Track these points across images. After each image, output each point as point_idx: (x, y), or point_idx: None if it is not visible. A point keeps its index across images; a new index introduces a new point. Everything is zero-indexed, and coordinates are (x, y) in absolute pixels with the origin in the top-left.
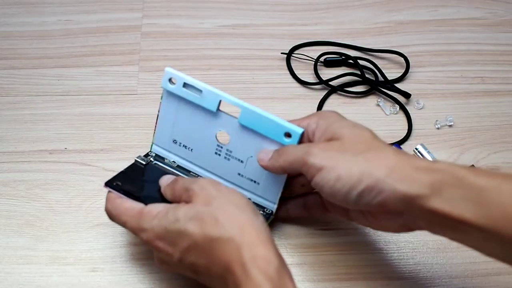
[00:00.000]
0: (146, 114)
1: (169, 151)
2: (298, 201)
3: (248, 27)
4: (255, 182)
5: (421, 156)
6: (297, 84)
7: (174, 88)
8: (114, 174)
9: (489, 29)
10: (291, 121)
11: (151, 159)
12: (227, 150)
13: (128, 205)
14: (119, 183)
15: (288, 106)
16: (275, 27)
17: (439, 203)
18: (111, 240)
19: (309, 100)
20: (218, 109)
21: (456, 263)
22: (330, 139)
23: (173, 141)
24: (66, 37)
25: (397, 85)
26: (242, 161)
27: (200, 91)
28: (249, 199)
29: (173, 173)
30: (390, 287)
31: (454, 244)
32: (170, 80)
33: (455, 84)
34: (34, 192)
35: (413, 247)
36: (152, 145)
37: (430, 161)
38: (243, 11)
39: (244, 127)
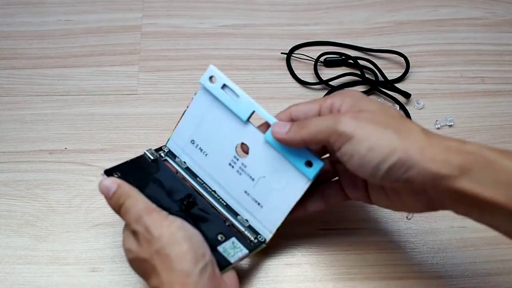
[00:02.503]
0: (146, 114)
1: (183, 151)
2: (316, 194)
3: (248, 27)
4: (259, 204)
5: None
6: (297, 84)
7: (212, 86)
8: None
9: (489, 29)
10: (313, 100)
11: (162, 154)
12: (242, 164)
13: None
14: (118, 174)
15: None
16: (275, 27)
17: (469, 184)
18: (111, 240)
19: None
20: (248, 119)
21: (456, 263)
22: (359, 111)
23: (191, 141)
24: (66, 37)
25: (397, 85)
26: (253, 179)
27: (237, 96)
28: (247, 220)
29: (180, 175)
30: (390, 287)
31: (454, 244)
32: (210, 78)
33: (455, 84)
34: (34, 192)
35: (413, 247)
36: (168, 140)
37: (460, 142)
38: (243, 11)
39: (267, 146)
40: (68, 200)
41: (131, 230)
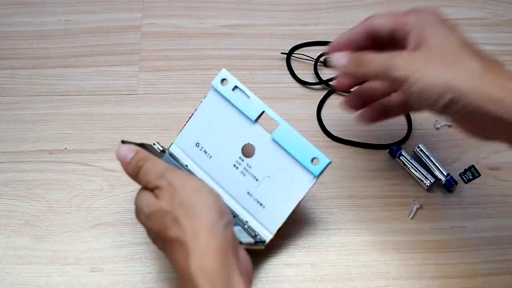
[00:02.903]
0: (146, 114)
1: (186, 154)
2: (375, 105)
3: (248, 27)
4: (261, 204)
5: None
6: (297, 84)
7: (223, 88)
8: (114, 174)
9: (489, 29)
10: (393, 14)
11: (167, 152)
12: (247, 164)
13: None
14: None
15: (288, 106)
16: (275, 27)
17: None
18: (111, 240)
19: (309, 100)
20: (257, 119)
21: (456, 263)
22: (419, 44)
23: (196, 144)
24: (66, 37)
25: None
26: (257, 180)
27: (248, 97)
28: (247, 221)
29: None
30: (390, 287)
31: (454, 244)
32: (222, 81)
33: None
34: (34, 192)
35: (413, 247)
36: (171, 145)
37: None
38: (243, 11)
39: (274, 145)
40: (68, 200)
41: (151, 188)
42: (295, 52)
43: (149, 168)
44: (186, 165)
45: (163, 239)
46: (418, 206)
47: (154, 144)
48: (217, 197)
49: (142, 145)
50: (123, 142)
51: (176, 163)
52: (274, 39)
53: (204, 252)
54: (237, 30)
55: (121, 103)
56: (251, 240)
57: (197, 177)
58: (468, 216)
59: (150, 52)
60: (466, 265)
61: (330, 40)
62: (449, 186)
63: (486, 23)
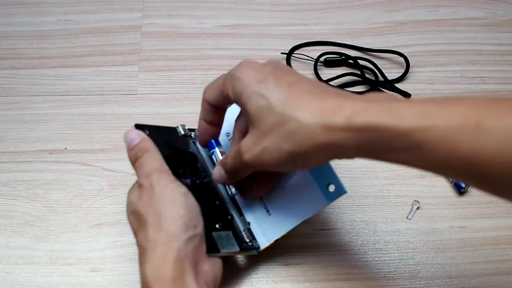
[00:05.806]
0: (146, 114)
1: (216, 141)
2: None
3: (248, 27)
4: (268, 211)
5: None
6: None
7: None
8: (114, 174)
9: (489, 29)
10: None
11: (193, 135)
12: None
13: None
14: (147, 132)
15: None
16: (275, 27)
17: (367, 156)
18: (111, 240)
19: None
20: None
21: (456, 263)
22: (249, 121)
23: (226, 133)
24: (66, 37)
25: (397, 85)
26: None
27: None
28: (249, 223)
29: (201, 159)
30: (390, 287)
31: (454, 244)
32: None
33: (455, 84)
34: (34, 192)
35: (413, 247)
36: None
37: (349, 114)
38: (243, 11)
39: None
40: (68, 200)
41: (138, 184)
42: (295, 52)
43: (143, 162)
44: (212, 152)
45: (136, 239)
46: (418, 206)
47: (177, 126)
48: (189, 210)
49: (156, 128)
50: (136, 126)
51: (195, 150)
52: (274, 39)
53: (158, 263)
54: (237, 30)
55: (121, 103)
56: (236, 248)
57: (181, 184)
58: (468, 216)
59: (150, 52)
60: (466, 265)
61: (330, 40)
62: (459, 188)
63: (486, 23)
